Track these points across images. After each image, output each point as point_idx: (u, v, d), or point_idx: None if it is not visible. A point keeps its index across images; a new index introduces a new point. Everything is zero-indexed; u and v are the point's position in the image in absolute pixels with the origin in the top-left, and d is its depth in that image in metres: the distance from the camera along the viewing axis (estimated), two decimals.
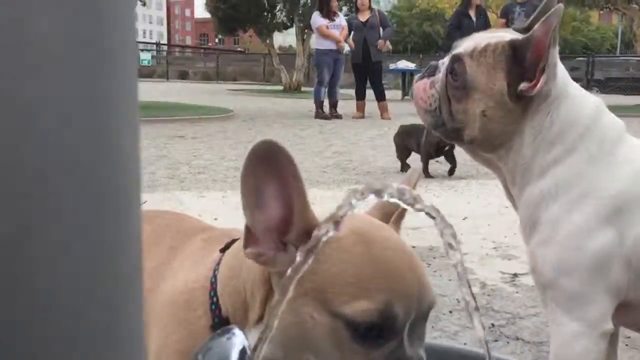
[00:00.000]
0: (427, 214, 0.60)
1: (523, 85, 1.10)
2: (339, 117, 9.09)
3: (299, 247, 0.68)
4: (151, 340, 0.85)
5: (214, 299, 0.81)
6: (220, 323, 0.78)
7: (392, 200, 0.61)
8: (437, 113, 1.18)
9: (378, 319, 0.66)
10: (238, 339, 0.47)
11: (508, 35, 1.16)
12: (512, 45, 1.12)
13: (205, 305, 0.81)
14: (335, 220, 0.60)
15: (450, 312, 1.98)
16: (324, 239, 0.55)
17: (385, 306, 0.66)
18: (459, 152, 6.11)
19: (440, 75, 1.18)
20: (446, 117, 1.17)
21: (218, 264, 0.82)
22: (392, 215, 0.84)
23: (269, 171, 0.67)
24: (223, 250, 0.85)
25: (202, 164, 4.86)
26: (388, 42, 9.37)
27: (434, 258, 2.55)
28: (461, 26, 9.10)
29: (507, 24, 9.03)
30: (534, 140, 1.12)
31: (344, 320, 0.66)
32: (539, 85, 1.09)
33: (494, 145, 1.16)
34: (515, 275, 2.36)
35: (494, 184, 4.38)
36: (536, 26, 1.10)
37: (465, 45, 1.16)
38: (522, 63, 1.11)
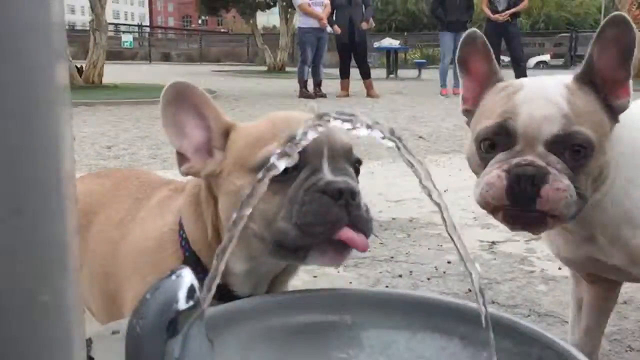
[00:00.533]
0: (368, 126, 0.57)
1: (621, 102, 1.00)
2: (323, 96, 9.05)
3: (222, 146, 0.83)
4: (131, 288, 0.88)
5: (183, 235, 0.88)
6: (191, 256, 0.86)
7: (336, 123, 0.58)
8: (577, 199, 0.96)
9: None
10: (186, 278, 0.47)
11: (560, 76, 1.04)
12: (584, 79, 1.01)
13: (175, 244, 0.88)
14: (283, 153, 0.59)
15: (429, 279, 2.00)
16: (274, 167, 0.54)
17: (289, 139, 0.67)
18: (438, 123, 6.13)
19: (558, 167, 0.95)
20: (588, 193, 0.99)
21: (183, 206, 0.90)
22: None
23: (181, 105, 0.83)
24: None
25: None
26: (372, 20, 9.33)
27: (414, 229, 2.57)
28: (444, 2, 9.08)
29: (489, 2, 9.01)
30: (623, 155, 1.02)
31: (257, 171, 0.66)
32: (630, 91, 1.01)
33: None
34: (493, 243, 2.39)
35: None
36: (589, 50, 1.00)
37: (551, 110, 0.96)
38: (601, 89, 1.01)
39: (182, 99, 0.83)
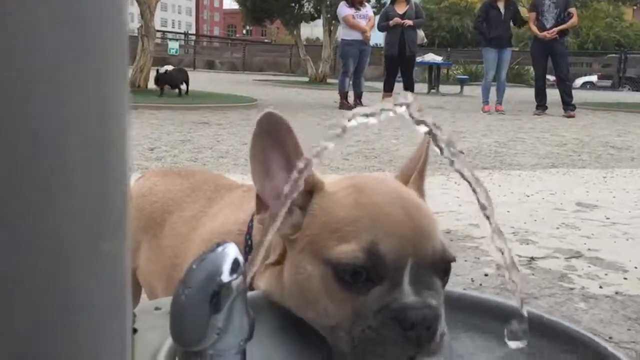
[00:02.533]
0: (430, 130, 0.55)
1: None
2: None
3: (303, 205, 0.70)
4: None
5: (249, 242, 0.81)
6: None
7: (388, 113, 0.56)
8: None
9: (363, 260, 0.62)
10: (232, 250, 0.48)
11: None
12: None
13: (240, 248, 0.83)
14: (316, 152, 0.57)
15: (464, 289, 1.97)
16: (303, 171, 0.55)
17: (370, 245, 0.62)
18: (479, 139, 6.05)
19: None
20: None
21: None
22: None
23: (274, 141, 0.70)
24: None
25: (224, 149, 4.91)
26: (422, 33, 9.36)
27: (451, 240, 2.54)
28: (488, 18, 9.00)
29: (538, 17, 8.88)
30: None
31: (331, 267, 0.64)
32: None
33: None
34: (532, 258, 2.34)
35: (516, 174, 4.34)
36: None
37: None
38: None
39: (272, 133, 0.70)
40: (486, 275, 2.11)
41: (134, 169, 3.80)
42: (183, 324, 0.48)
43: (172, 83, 9.67)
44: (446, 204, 3.14)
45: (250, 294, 0.70)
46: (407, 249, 0.63)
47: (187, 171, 1.17)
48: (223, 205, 0.96)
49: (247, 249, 0.81)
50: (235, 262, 0.48)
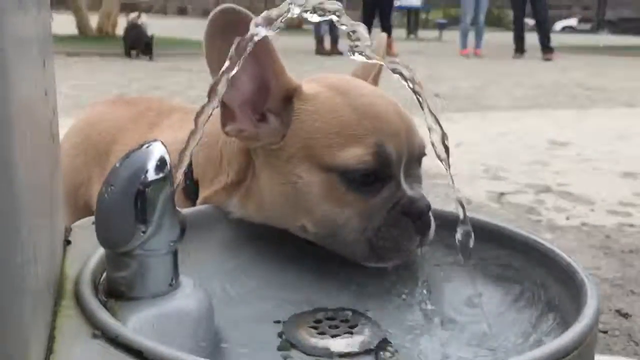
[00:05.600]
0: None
1: None
2: (340, 53, 8.93)
3: (280, 114, 0.67)
4: None
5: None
6: (190, 185, 0.77)
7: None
8: None
9: (373, 163, 0.64)
10: (157, 148, 0.46)
11: None
12: None
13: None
14: (269, 18, 0.54)
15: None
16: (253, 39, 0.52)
17: (378, 148, 0.64)
18: (456, 83, 6.00)
19: None
20: None
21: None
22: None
23: (232, 40, 0.60)
24: None
25: (195, 95, 4.82)
26: None
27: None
28: None
29: None
30: None
31: (338, 172, 0.63)
32: None
33: None
34: (501, 194, 2.36)
35: (491, 116, 4.34)
36: None
37: None
38: None
39: (234, 32, 0.59)
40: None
41: None
42: (108, 225, 0.46)
43: (138, 43, 8.49)
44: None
45: (200, 208, 0.68)
46: (403, 147, 0.67)
47: (136, 99, 1.13)
48: (163, 128, 0.94)
49: (186, 169, 0.80)
50: (162, 160, 0.46)
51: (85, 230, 0.61)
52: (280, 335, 0.55)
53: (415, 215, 0.65)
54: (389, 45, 9.24)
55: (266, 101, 0.69)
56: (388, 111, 0.68)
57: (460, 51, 9.33)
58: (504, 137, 3.54)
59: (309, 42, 10.06)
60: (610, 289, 1.49)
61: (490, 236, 0.68)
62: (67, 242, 0.57)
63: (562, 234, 1.91)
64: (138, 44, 7.45)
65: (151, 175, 0.45)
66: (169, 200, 0.46)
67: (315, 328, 0.56)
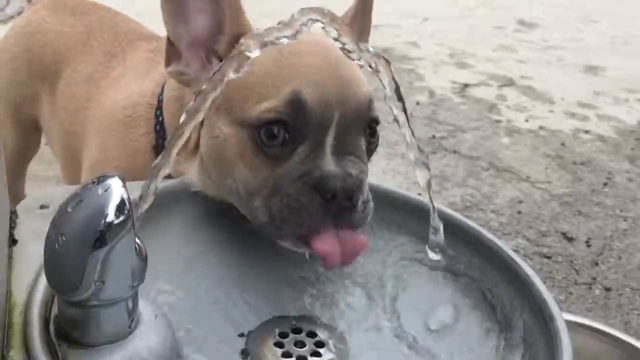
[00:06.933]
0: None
1: None
2: None
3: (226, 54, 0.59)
4: (89, 154, 0.78)
5: (160, 118, 0.70)
6: (163, 146, 0.69)
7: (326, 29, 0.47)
8: None
9: (284, 113, 0.54)
10: (116, 189, 0.40)
11: None
12: None
13: (149, 124, 0.71)
14: (262, 42, 0.49)
15: (396, 120, 1.96)
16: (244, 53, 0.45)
17: (292, 95, 0.54)
18: None
19: None
20: None
21: (166, 80, 0.71)
22: None
23: None
24: None
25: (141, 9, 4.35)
26: None
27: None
28: None
29: None
30: None
31: (248, 127, 0.55)
32: None
33: None
34: (465, 85, 2.32)
35: None
36: None
37: None
38: None
39: None
40: (418, 103, 2.08)
41: None
42: (59, 275, 0.41)
43: None
44: (387, 14, 2.97)
45: (166, 184, 0.62)
46: (331, 99, 0.55)
47: (80, 6, 0.97)
48: (126, 68, 0.82)
49: (158, 126, 0.71)
50: (122, 201, 0.39)
51: (32, 218, 0.55)
52: (243, 353, 0.53)
53: (327, 193, 0.54)
54: None
55: (217, 43, 0.61)
56: (316, 60, 0.57)
57: None
58: (472, 11, 3.41)
59: None
60: (559, 207, 1.54)
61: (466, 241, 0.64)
62: (13, 242, 0.51)
63: (520, 139, 1.93)
64: None
65: (111, 220, 0.39)
66: (130, 242, 0.41)
67: (280, 346, 0.54)
